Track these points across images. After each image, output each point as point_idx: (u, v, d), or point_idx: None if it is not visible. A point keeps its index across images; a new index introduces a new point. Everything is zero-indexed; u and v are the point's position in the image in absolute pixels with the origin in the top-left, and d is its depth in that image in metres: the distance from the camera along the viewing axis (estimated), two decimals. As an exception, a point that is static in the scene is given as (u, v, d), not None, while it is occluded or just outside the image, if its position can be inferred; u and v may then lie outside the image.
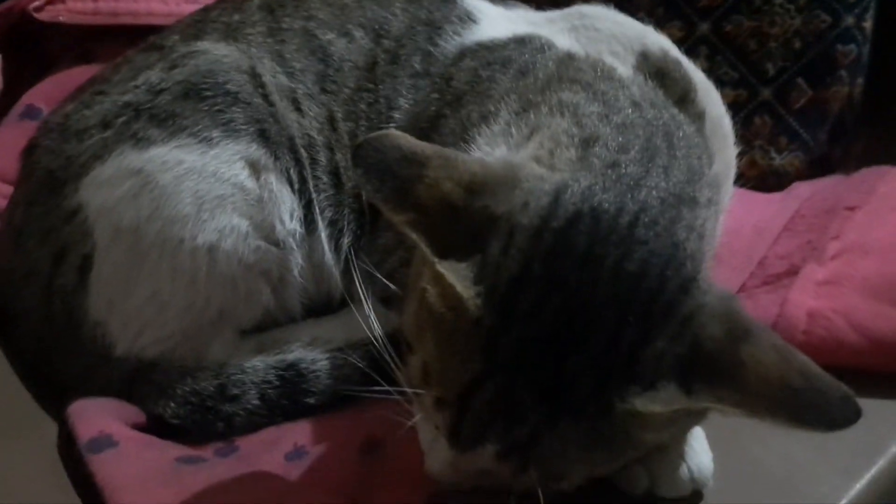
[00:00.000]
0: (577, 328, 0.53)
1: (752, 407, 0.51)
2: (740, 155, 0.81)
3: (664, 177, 0.59)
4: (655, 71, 0.73)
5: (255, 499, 0.61)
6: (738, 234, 0.83)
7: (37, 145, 0.81)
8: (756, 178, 0.98)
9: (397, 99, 0.81)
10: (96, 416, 0.69)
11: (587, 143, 0.61)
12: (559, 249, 0.54)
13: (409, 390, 0.61)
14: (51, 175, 0.77)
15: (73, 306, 0.76)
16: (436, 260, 0.54)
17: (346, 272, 0.83)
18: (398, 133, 0.56)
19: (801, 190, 0.92)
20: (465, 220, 0.55)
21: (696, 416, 0.57)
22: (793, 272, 0.77)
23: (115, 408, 0.73)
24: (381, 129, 0.81)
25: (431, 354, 0.57)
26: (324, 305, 0.85)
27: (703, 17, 1.01)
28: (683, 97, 0.73)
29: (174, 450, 0.69)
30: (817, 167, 1.01)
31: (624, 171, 0.59)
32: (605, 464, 0.57)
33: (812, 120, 0.99)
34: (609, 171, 0.58)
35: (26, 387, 0.75)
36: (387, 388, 0.66)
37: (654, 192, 0.58)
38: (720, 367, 0.52)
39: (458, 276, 0.54)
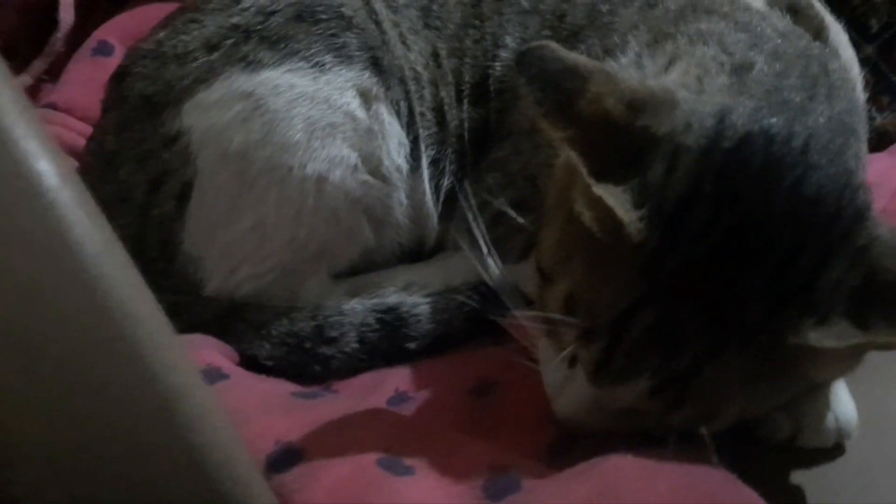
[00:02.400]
0: (751, 250, 0.50)
1: None
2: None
3: (828, 104, 0.56)
4: (788, 7, 0.70)
5: (381, 432, 0.57)
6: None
7: (128, 73, 0.77)
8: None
9: (504, 37, 0.78)
10: (201, 348, 0.66)
11: (741, 70, 0.58)
12: (732, 168, 0.51)
13: (538, 327, 0.59)
14: (147, 100, 0.73)
15: (167, 237, 0.73)
16: (593, 182, 0.51)
17: (443, 216, 0.80)
18: (557, 45, 0.53)
19: (908, 148, 0.89)
20: (625, 139, 0.52)
21: (859, 357, 0.54)
22: (917, 224, 0.74)
23: (215, 344, 0.69)
24: (486, 67, 0.78)
25: (580, 282, 0.54)
26: (416, 251, 0.82)
27: (804, -31, 0.97)
28: (818, 35, 0.69)
29: (287, 385, 0.66)
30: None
31: (787, 96, 0.55)
32: (762, 401, 0.55)
33: (915, 80, 0.96)
34: (772, 96, 0.55)
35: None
36: (502, 323, 0.64)
37: (820, 119, 0.55)
38: None
39: (617, 200, 0.51)
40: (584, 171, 0.52)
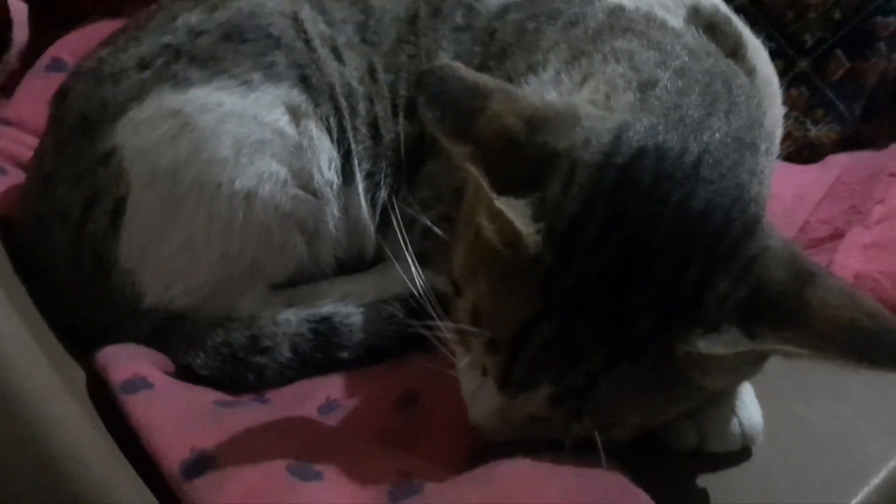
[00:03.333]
0: (640, 266, 0.52)
1: (818, 348, 0.49)
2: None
3: (726, 120, 0.58)
4: (706, 25, 0.72)
5: (295, 440, 0.59)
6: (779, 198, 0.81)
7: (69, 90, 0.79)
8: (791, 149, 0.97)
9: (438, 52, 0.80)
10: (128, 359, 0.68)
11: (646, 87, 0.60)
12: (622, 185, 0.53)
13: (454, 335, 0.60)
14: (84, 119, 0.75)
15: (103, 253, 0.74)
16: (494, 196, 0.53)
17: (380, 227, 0.82)
18: (459, 64, 0.55)
19: (839, 160, 0.91)
20: (524, 155, 0.54)
21: (755, 365, 0.56)
22: (837, 236, 0.76)
23: (146, 354, 0.71)
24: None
25: (484, 295, 0.56)
26: (355, 263, 0.84)
27: (740, -15, 0.99)
28: (734, 53, 0.72)
29: (211, 394, 0.67)
30: (849, 144, 1.00)
31: (686, 112, 0.57)
32: (661, 411, 0.56)
33: (849, 92, 0.98)
34: (671, 113, 0.57)
35: (55, 335, 0.73)
36: (426, 333, 0.65)
37: (716, 135, 0.57)
38: (786, 310, 0.51)
39: (517, 213, 0.53)
40: (486, 185, 0.53)
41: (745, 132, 0.59)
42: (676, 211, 0.52)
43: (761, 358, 0.55)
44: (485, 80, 0.55)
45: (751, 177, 0.56)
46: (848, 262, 0.73)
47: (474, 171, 0.54)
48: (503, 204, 0.53)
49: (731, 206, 0.54)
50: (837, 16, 0.97)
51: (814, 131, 0.98)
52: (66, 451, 0.37)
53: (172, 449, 0.57)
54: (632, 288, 0.52)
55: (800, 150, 0.98)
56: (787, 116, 0.99)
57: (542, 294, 0.53)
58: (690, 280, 0.52)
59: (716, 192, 0.53)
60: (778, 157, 0.80)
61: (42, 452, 0.35)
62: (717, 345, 0.51)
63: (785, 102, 0.99)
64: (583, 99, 0.61)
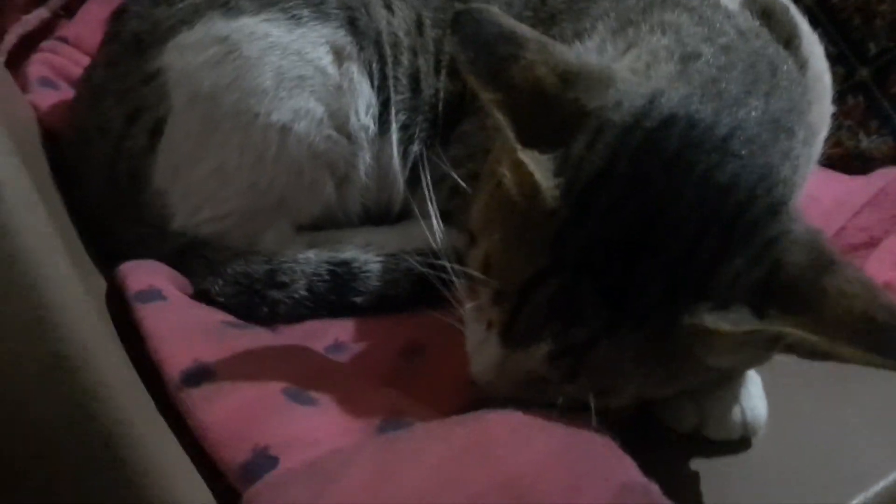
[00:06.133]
0: (655, 232, 0.51)
1: (829, 335, 0.48)
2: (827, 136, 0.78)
3: (765, 101, 0.57)
4: (762, 10, 0.70)
5: (297, 366, 0.60)
6: (818, 202, 0.80)
7: (125, 10, 0.81)
8: (840, 159, 0.94)
9: None
10: (147, 272, 0.69)
11: (688, 59, 0.59)
12: (648, 149, 0.52)
13: (464, 282, 0.60)
14: (136, 37, 0.77)
15: (138, 170, 0.76)
16: (518, 147, 0.53)
17: (409, 182, 0.82)
18: (496, 9, 0.55)
19: (887, 173, 0.88)
20: (554, 109, 0.54)
21: (763, 350, 0.54)
22: (872, 244, 0.75)
23: (166, 271, 0.72)
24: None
25: (497, 245, 0.56)
26: (382, 215, 0.84)
27: (807, -15, 0.97)
28: (788, 42, 0.70)
29: (221, 314, 0.69)
30: (899, 160, 0.97)
31: (724, 87, 0.56)
32: (658, 384, 0.55)
33: (907, 107, 0.95)
34: (709, 86, 0.56)
35: (82, 243, 0.75)
36: (440, 287, 0.65)
37: (752, 113, 0.55)
38: (800, 294, 0.50)
39: (538, 166, 0.52)
40: (510, 135, 0.53)
41: (783, 115, 0.57)
42: (699, 181, 0.51)
43: (770, 344, 0.54)
44: (521, 28, 0.54)
45: (783, 159, 0.55)
46: (879, 270, 0.71)
47: (500, 119, 0.53)
48: (526, 156, 0.52)
49: (757, 184, 0.52)
50: (906, 26, 0.94)
51: (865, 143, 0.95)
52: (75, 345, 0.39)
53: (176, 357, 0.58)
54: (644, 253, 0.51)
55: (849, 161, 0.95)
56: (839, 126, 0.97)
57: (553, 249, 0.52)
58: (705, 252, 0.51)
59: (743, 167, 0.52)
60: (820, 160, 0.79)
61: (52, 342, 0.37)
62: (724, 321, 0.50)
63: (840, 111, 0.97)
64: (623, 66, 0.60)
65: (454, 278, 0.64)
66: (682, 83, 0.56)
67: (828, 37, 0.96)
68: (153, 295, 0.65)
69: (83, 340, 0.46)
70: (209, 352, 0.59)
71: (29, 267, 0.47)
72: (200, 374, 0.57)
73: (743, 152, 0.53)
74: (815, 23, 0.97)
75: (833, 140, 0.95)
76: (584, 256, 0.52)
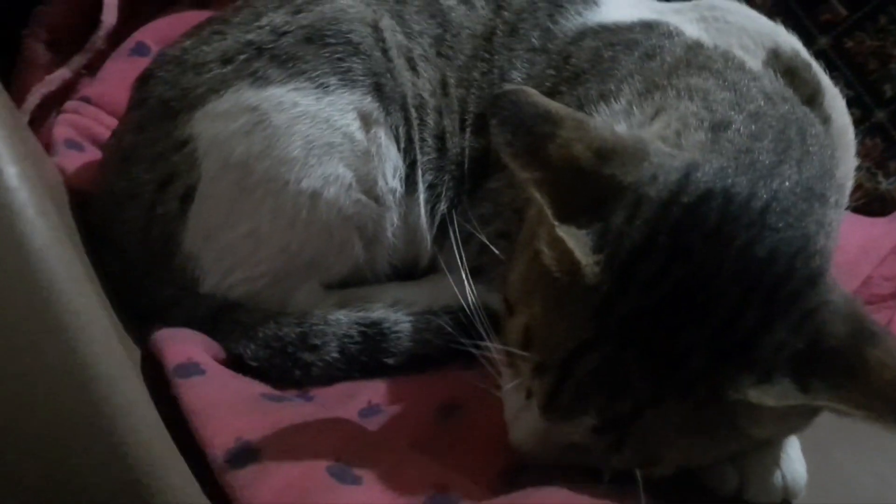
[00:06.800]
0: (697, 304, 0.52)
1: (874, 409, 0.49)
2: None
3: (797, 169, 0.58)
4: (785, 70, 0.71)
5: (337, 440, 0.60)
6: (843, 250, 0.79)
7: (152, 75, 0.81)
8: (860, 201, 0.95)
9: (511, 71, 0.81)
10: (184, 343, 0.70)
11: (718, 127, 0.60)
12: (688, 223, 0.53)
13: (502, 355, 0.61)
14: (165, 104, 0.78)
15: (169, 235, 0.77)
16: (556, 223, 0.54)
17: (437, 239, 0.83)
18: (533, 90, 0.56)
19: (909, 216, 0.89)
20: (591, 185, 0.54)
21: (804, 418, 0.55)
22: (899, 295, 0.75)
23: (201, 340, 0.73)
24: (491, 99, 0.81)
25: (537, 317, 0.56)
26: (409, 270, 0.85)
27: (823, 31, 0.98)
28: (811, 100, 0.71)
29: (259, 386, 0.69)
30: (919, 201, 0.98)
31: (757, 157, 0.57)
32: (703, 453, 0.56)
33: (925, 148, 0.96)
34: (742, 157, 0.57)
35: (113, 308, 0.76)
36: (474, 351, 0.66)
37: (786, 183, 0.56)
38: (842, 366, 0.51)
39: (577, 242, 0.53)
40: (549, 212, 0.54)
41: (815, 182, 0.58)
42: (739, 255, 0.52)
43: (812, 412, 0.54)
44: (557, 107, 0.55)
45: (818, 228, 0.56)
46: (908, 323, 0.72)
47: (538, 197, 0.54)
48: (564, 232, 0.53)
49: (795, 256, 0.53)
50: (921, 69, 0.95)
51: (885, 184, 0.96)
52: (128, 430, 0.39)
53: (219, 436, 0.58)
54: (686, 325, 0.52)
55: (869, 203, 0.96)
56: (858, 168, 0.97)
57: (595, 322, 0.53)
58: (747, 324, 0.52)
59: (781, 240, 0.53)
60: (847, 208, 0.79)
61: (106, 429, 0.37)
62: (768, 395, 0.51)
63: (858, 152, 0.97)
64: (653, 133, 0.61)
65: (489, 345, 0.65)
66: (714, 154, 0.57)
67: (844, 80, 0.98)
68: (192, 369, 0.66)
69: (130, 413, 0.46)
70: (251, 429, 0.59)
71: (80, 345, 0.47)
72: (244, 454, 0.57)
73: (780, 225, 0.54)
74: (831, 66, 0.99)
75: (853, 181, 0.96)
76: (627, 328, 0.52)
